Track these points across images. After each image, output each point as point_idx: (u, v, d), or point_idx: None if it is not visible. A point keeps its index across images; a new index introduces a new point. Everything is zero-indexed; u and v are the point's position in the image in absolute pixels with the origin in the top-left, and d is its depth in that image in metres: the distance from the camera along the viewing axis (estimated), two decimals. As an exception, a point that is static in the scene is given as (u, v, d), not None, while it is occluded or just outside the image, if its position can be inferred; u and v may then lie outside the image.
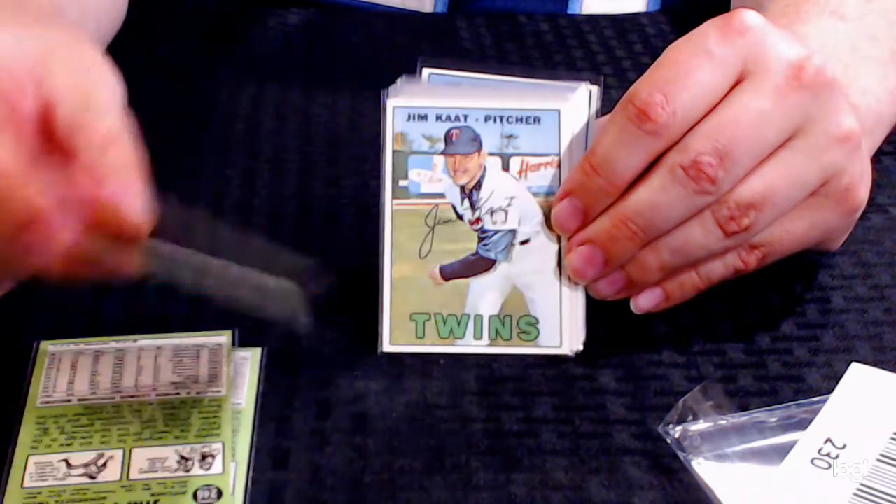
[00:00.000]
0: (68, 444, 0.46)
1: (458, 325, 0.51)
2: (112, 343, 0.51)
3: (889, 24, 0.60)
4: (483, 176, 0.52)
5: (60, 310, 0.54)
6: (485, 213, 0.52)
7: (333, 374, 0.51)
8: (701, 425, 0.46)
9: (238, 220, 0.61)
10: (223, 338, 0.51)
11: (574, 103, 0.51)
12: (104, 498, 0.43)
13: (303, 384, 0.50)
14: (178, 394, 0.48)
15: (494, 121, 0.51)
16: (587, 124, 0.51)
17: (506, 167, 0.52)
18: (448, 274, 0.52)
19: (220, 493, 0.44)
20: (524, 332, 0.51)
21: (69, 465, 0.45)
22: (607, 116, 0.50)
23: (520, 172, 0.51)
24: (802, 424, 0.46)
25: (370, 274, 0.52)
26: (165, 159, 0.50)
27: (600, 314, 0.52)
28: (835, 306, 0.55)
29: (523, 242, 0.51)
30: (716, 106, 0.48)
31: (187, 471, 0.44)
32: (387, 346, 0.51)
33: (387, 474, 0.46)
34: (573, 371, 0.51)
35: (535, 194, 0.51)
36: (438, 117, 0.52)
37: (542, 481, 0.45)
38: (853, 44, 0.58)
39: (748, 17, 0.49)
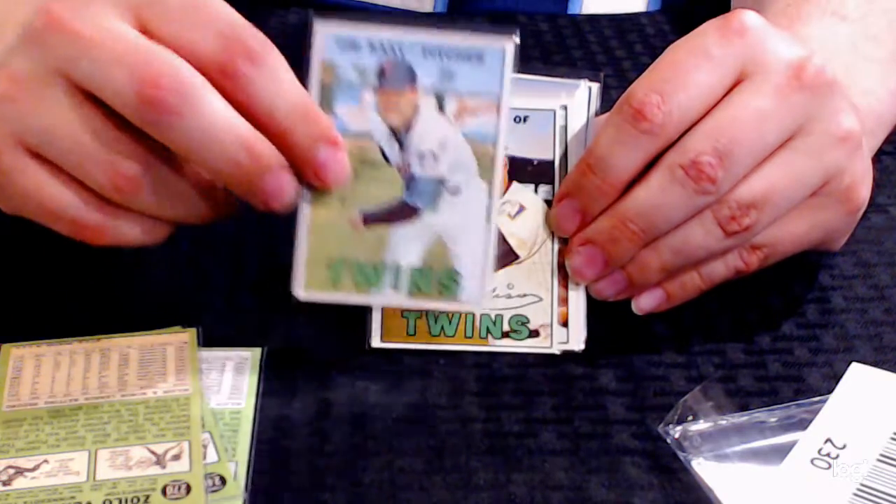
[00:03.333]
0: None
1: (376, 273, 0.49)
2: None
3: (890, 25, 0.60)
4: (415, 116, 0.48)
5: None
6: (414, 157, 0.48)
7: (333, 374, 0.51)
8: (701, 425, 0.46)
9: (238, 220, 0.61)
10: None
11: (575, 101, 0.51)
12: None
13: (302, 384, 0.50)
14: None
15: (433, 56, 0.47)
16: (587, 123, 0.51)
17: (441, 108, 0.48)
18: (369, 220, 0.48)
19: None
20: (444, 287, 0.49)
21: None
22: (604, 116, 0.50)
23: (456, 115, 0.48)
24: (802, 424, 0.46)
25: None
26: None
27: (600, 314, 0.52)
28: (835, 306, 0.55)
29: (452, 191, 0.48)
30: (715, 106, 0.48)
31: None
32: (300, 292, 0.49)
33: (387, 474, 0.46)
34: (573, 371, 0.51)
35: (471, 140, 0.48)
36: (372, 47, 0.47)
37: (542, 481, 0.45)
38: (854, 44, 0.58)
39: (748, 17, 0.49)
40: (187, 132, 0.45)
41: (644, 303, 0.51)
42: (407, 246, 0.49)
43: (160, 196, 0.47)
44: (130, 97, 0.44)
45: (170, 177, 0.47)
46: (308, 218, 0.48)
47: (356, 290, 0.49)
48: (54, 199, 0.47)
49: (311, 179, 0.47)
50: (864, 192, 0.51)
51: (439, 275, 0.49)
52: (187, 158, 0.46)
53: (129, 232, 0.48)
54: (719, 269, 0.50)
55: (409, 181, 0.48)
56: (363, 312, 0.52)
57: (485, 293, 0.49)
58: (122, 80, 0.44)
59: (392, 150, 0.48)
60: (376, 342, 0.51)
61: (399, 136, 0.48)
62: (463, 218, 0.48)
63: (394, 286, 0.49)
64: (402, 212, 0.48)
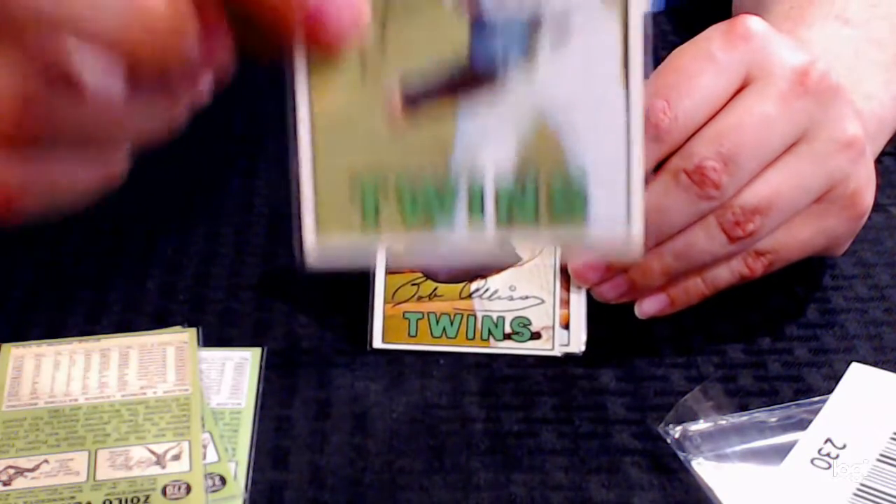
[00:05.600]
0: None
1: (441, 197, 0.30)
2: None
3: (892, 29, 0.60)
4: None
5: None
6: None
7: (333, 374, 0.51)
8: (701, 425, 0.46)
9: (238, 221, 0.61)
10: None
11: None
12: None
13: (302, 384, 0.50)
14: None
15: None
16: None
17: None
18: (416, 99, 0.30)
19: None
20: (563, 204, 0.30)
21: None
22: None
23: None
24: (802, 424, 0.46)
25: (369, 274, 0.52)
26: (165, 159, 0.50)
27: (600, 314, 0.52)
28: (835, 306, 0.54)
29: (556, 35, 0.29)
30: (719, 111, 0.48)
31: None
32: (310, 239, 0.32)
33: (387, 474, 0.46)
34: (573, 371, 0.51)
35: None
36: None
37: (542, 481, 0.45)
38: (857, 49, 0.58)
39: (752, 22, 0.49)
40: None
41: (647, 307, 0.51)
42: (487, 139, 0.30)
43: (58, 120, 0.30)
44: None
45: (58, 85, 0.29)
46: (307, 109, 0.30)
47: (406, 228, 0.30)
48: None
49: (302, 38, 0.28)
50: (868, 197, 0.51)
51: (551, 183, 0.30)
52: (49, 29, 0.28)
53: (45, 189, 0.31)
54: (723, 275, 0.50)
55: (478, 24, 0.29)
56: (364, 313, 0.52)
57: (634, 207, 0.30)
58: None
59: None
60: (377, 343, 0.51)
61: None
62: (580, 81, 0.29)
63: (472, 213, 0.30)
64: (471, 78, 0.30)
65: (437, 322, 0.52)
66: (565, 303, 0.51)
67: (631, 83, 0.29)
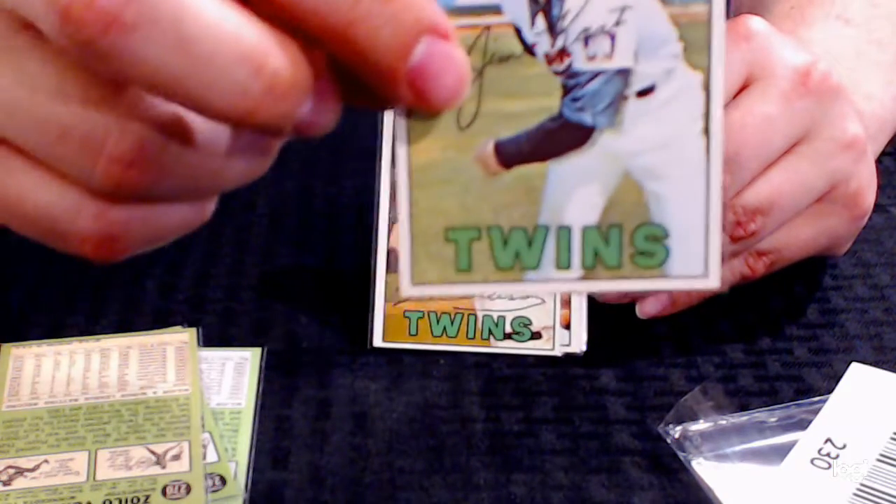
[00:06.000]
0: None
1: (530, 245, 0.31)
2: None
3: (894, 29, 0.60)
4: None
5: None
6: (574, 39, 0.30)
7: (333, 374, 0.51)
8: (701, 425, 0.46)
9: (239, 221, 0.61)
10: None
11: None
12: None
13: (302, 384, 0.50)
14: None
15: None
16: None
17: None
18: (510, 154, 0.31)
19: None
20: (644, 254, 0.31)
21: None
22: None
23: None
24: (802, 424, 0.46)
25: (370, 273, 0.52)
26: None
27: (599, 314, 0.52)
28: (835, 306, 0.55)
29: (643, 92, 0.31)
30: None
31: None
32: (406, 290, 0.32)
33: (387, 474, 0.46)
34: (573, 371, 0.51)
35: (665, 1, 0.30)
36: None
37: (542, 481, 0.45)
38: (858, 49, 0.58)
39: (754, 22, 0.49)
40: (150, 56, 0.27)
41: (648, 307, 0.51)
42: (576, 192, 0.31)
43: (170, 172, 0.31)
44: (50, 18, 0.27)
45: (175, 139, 0.31)
46: (406, 163, 0.31)
47: (499, 276, 0.32)
48: (37, 203, 0.31)
49: (403, 99, 0.29)
50: (869, 197, 0.51)
51: (634, 235, 0.32)
52: (169, 95, 0.29)
53: (148, 231, 0.33)
54: (724, 275, 0.50)
55: (570, 82, 0.31)
56: (364, 313, 0.52)
57: (712, 260, 0.32)
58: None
59: (537, 30, 0.31)
60: (378, 342, 0.51)
61: (546, 3, 0.31)
62: (665, 136, 0.31)
63: (560, 262, 0.32)
64: (562, 135, 0.31)
65: (438, 321, 0.52)
66: (566, 303, 0.51)
67: (711, 143, 0.31)
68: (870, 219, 0.52)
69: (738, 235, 0.48)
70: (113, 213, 0.31)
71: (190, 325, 0.52)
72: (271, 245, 0.59)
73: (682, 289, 0.32)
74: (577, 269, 0.32)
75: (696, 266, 0.31)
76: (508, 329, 0.51)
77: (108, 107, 0.29)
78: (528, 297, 0.51)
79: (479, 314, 0.51)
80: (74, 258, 0.58)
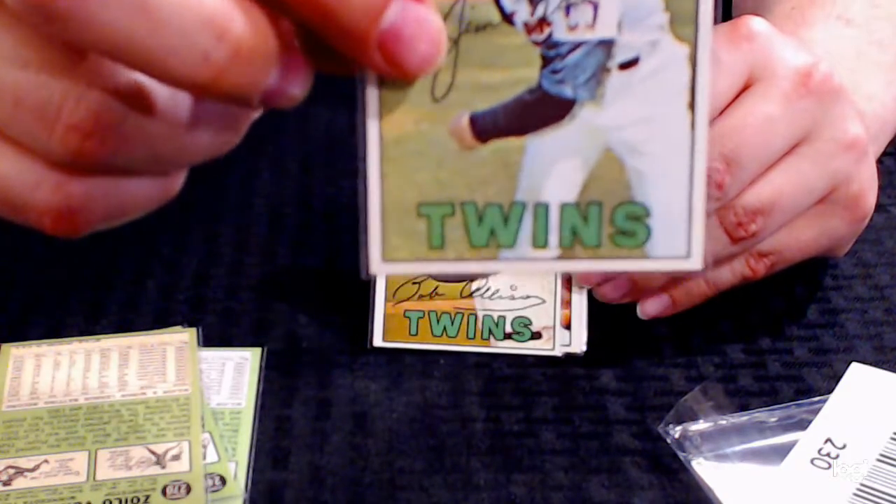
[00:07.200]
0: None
1: (506, 222, 0.30)
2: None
3: (894, 30, 0.60)
4: None
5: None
6: (555, 8, 0.29)
7: (333, 374, 0.51)
8: (701, 425, 0.46)
9: (238, 221, 0.61)
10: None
11: None
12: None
13: (302, 384, 0.50)
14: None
15: None
16: None
17: None
18: (486, 128, 0.30)
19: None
20: (624, 234, 0.30)
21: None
22: None
23: None
24: (802, 424, 0.46)
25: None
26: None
27: (599, 314, 0.52)
28: (835, 306, 0.54)
29: (626, 65, 0.29)
30: (722, 112, 0.48)
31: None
32: (375, 266, 0.30)
33: (387, 474, 0.45)
34: (573, 371, 0.51)
35: None
36: None
37: (542, 481, 0.45)
38: (859, 49, 0.58)
39: (755, 23, 0.48)
40: (108, 20, 0.26)
41: (649, 308, 0.51)
42: (554, 168, 0.30)
43: (130, 142, 0.30)
44: None
45: (135, 108, 0.30)
46: (377, 135, 0.30)
47: (473, 253, 0.30)
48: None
49: (374, 65, 0.28)
50: (870, 198, 0.51)
51: (614, 213, 0.30)
52: (128, 62, 0.28)
53: (109, 205, 0.31)
54: (725, 276, 0.50)
55: (550, 53, 0.29)
56: (364, 313, 0.52)
57: (695, 241, 0.30)
58: None
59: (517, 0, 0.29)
60: (378, 342, 0.51)
61: None
62: (649, 111, 0.30)
63: (537, 241, 0.30)
64: (541, 109, 0.30)
65: (438, 321, 0.52)
66: (566, 303, 0.51)
67: (697, 119, 0.30)
68: (870, 219, 0.52)
69: (739, 236, 0.48)
70: (73, 185, 0.30)
71: (190, 325, 0.52)
72: (271, 245, 0.59)
73: (663, 270, 0.31)
74: (554, 249, 0.30)
75: (678, 247, 0.30)
76: (509, 329, 0.51)
77: (66, 73, 0.29)
78: (528, 298, 0.51)
79: (480, 314, 0.51)
80: (74, 258, 0.58)
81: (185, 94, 0.30)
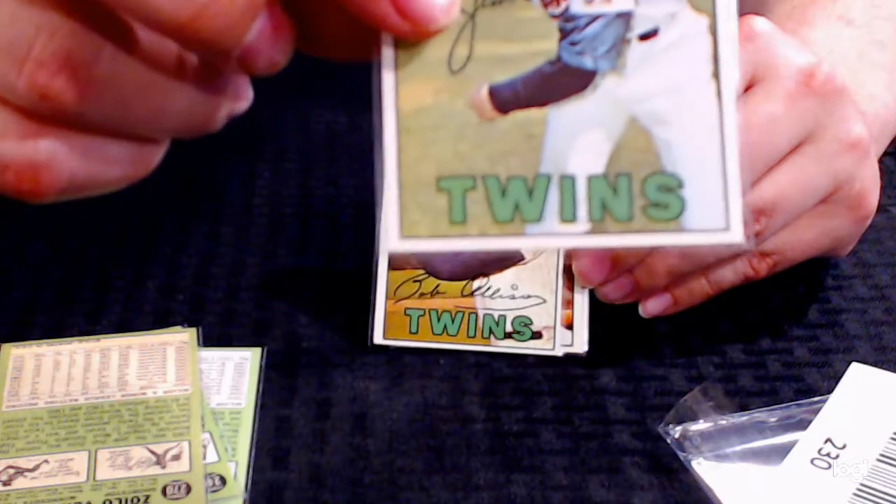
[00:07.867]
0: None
1: (531, 196, 0.29)
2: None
3: (895, 30, 0.60)
4: None
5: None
6: None
7: (333, 374, 0.51)
8: (701, 425, 0.46)
9: (238, 221, 0.61)
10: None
11: None
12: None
13: (302, 384, 0.50)
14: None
15: None
16: None
17: None
18: (506, 99, 0.29)
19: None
20: (658, 206, 0.29)
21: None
22: None
23: None
24: (802, 424, 0.46)
25: (370, 273, 0.52)
26: (164, 160, 0.50)
27: (599, 314, 0.52)
28: (835, 306, 0.54)
29: (646, 36, 0.29)
30: None
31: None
32: (394, 243, 0.29)
33: (387, 474, 0.45)
34: (573, 371, 0.51)
35: None
36: None
37: (542, 481, 0.45)
38: (860, 49, 0.58)
39: (757, 23, 0.48)
40: None
41: (651, 307, 0.51)
42: (578, 140, 0.29)
43: (101, 87, 0.28)
44: None
45: (118, 57, 0.28)
46: (394, 108, 0.29)
47: (497, 229, 0.29)
48: None
49: (383, 17, 0.27)
50: (873, 198, 0.51)
51: (645, 184, 0.29)
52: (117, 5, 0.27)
53: (78, 167, 0.29)
54: (728, 276, 0.50)
55: (567, 25, 0.29)
56: (364, 313, 0.52)
57: (733, 212, 0.29)
58: None
59: None
60: (378, 339, 0.51)
61: None
62: (672, 80, 0.29)
63: (564, 215, 0.29)
64: (561, 80, 0.29)
65: (439, 319, 0.52)
66: (568, 303, 0.51)
67: (723, 88, 0.29)
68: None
69: None
70: (40, 137, 0.28)
71: (190, 325, 0.52)
72: (271, 245, 0.59)
73: (700, 244, 0.29)
74: (583, 223, 0.29)
75: (715, 219, 0.29)
76: (509, 328, 0.51)
77: (38, 7, 0.27)
78: (529, 297, 0.51)
79: (480, 313, 0.51)
80: (74, 258, 0.58)
81: (160, 48, 0.28)
